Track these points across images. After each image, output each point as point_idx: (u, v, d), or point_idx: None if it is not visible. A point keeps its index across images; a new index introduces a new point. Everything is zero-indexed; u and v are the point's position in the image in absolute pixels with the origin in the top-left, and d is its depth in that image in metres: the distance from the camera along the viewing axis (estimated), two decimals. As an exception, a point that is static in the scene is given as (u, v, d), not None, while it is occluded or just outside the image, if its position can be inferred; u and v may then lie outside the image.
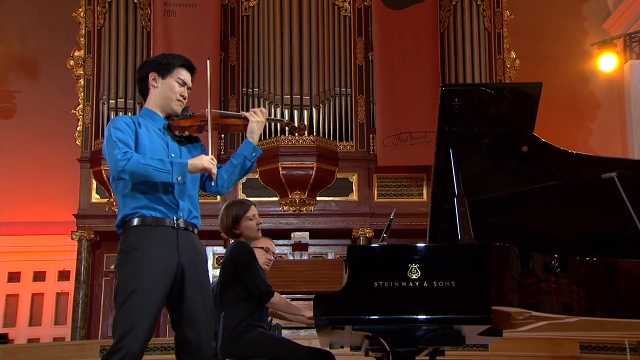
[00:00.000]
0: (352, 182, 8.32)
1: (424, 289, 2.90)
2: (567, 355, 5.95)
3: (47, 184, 9.30)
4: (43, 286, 9.41)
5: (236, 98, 8.40)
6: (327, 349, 3.83)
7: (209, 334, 3.03)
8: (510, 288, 2.96)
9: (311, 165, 7.99)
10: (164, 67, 3.13)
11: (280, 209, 8.23)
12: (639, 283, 3.19)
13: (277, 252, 4.56)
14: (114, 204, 7.96)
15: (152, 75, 3.13)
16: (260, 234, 4.01)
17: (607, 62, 9.27)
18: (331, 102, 8.26)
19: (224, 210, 3.98)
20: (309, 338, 5.85)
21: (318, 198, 8.27)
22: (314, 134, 8.06)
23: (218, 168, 3.10)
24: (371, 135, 8.34)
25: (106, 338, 7.68)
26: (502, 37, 8.50)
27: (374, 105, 8.32)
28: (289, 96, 8.15)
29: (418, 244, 3.00)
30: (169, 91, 3.12)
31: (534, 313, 3.04)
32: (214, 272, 7.08)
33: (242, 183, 8.20)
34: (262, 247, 4.15)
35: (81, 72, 8.36)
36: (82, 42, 8.42)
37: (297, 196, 8.10)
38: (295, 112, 8.08)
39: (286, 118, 7.96)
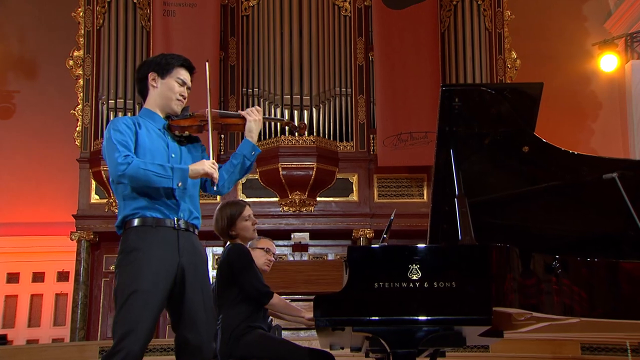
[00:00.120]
0: (352, 183, 8.31)
1: (425, 289, 2.89)
2: (568, 357, 5.94)
3: (46, 185, 9.28)
4: (42, 287, 9.40)
5: (236, 98, 8.39)
6: (328, 350, 3.82)
7: (210, 335, 3.01)
8: (511, 289, 2.95)
9: (311, 166, 7.97)
10: (163, 67, 3.13)
11: (280, 209, 8.22)
12: (641, 284, 3.18)
13: (277, 252, 4.55)
14: (114, 204, 7.95)
15: (151, 76, 3.12)
16: (255, 234, 3.99)
17: (608, 62, 9.27)
18: (331, 102, 8.25)
19: (218, 212, 3.96)
20: (309, 339, 5.84)
21: (318, 198, 8.25)
22: (314, 134, 8.05)
23: (218, 169, 3.09)
24: (371, 136, 8.33)
25: (105, 339, 7.67)
26: (503, 37, 8.49)
27: (374, 106, 8.31)
28: (289, 96, 8.14)
29: (418, 245, 3.00)
30: (168, 91, 3.11)
31: (535, 314, 3.03)
32: (214, 273, 7.06)
33: (242, 183, 8.19)
34: (262, 248, 4.13)
35: (80, 72, 8.35)
36: (82, 42, 8.41)
37: (297, 197, 8.09)
38: (295, 112, 8.07)
39: (286, 118, 7.94)
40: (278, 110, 8.10)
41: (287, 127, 7.53)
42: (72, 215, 8.18)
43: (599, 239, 3.71)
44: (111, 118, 7.91)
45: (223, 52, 8.44)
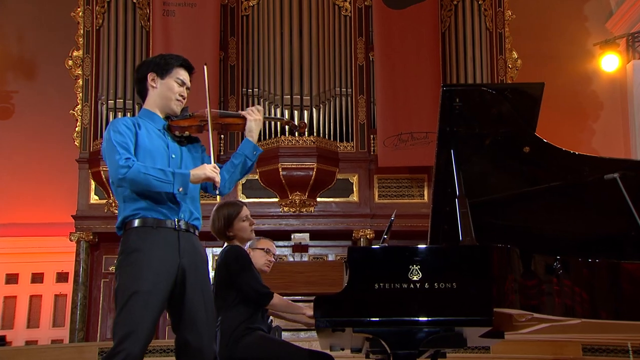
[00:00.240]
0: (352, 183, 8.30)
1: (425, 290, 2.89)
2: (569, 358, 5.93)
3: (45, 185, 9.27)
4: (41, 288, 9.39)
5: (236, 98, 8.38)
6: (328, 351, 3.81)
7: (210, 336, 3.00)
8: (512, 290, 2.95)
9: (311, 166, 7.96)
10: (163, 67, 3.12)
11: (280, 210, 8.20)
12: (643, 285, 3.17)
13: (277, 253, 4.53)
14: (113, 205, 7.94)
15: (150, 76, 3.11)
16: (253, 235, 3.97)
17: (609, 62, 9.27)
18: (331, 103, 8.24)
19: (215, 212, 3.93)
20: (309, 340, 5.83)
21: (318, 199, 8.24)
22: (314, 134, 8.04)
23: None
24: (372, 136, 8.31)
25: (105, 340, 7.66)
26: (504, 37, 8.47)
27: (374, 106, 8.30)
28: (289, 96, 8.12)
29: (419, 246, 3.00)
30: (168, 91, 3.10)
31: (535, 315, 3.03)
32: (214, 274, 7.05)
33: (242, 184, 8.18)
34: (262, 249, 4.12)
35: (80, 72, 8.33)
36: (81, 42, 8.40)
37: (297, 197, 8.08)
38: (296, 112, 8.06)
39: (286, 118, 7.93)
40: (278, 111, 8.08)
41: (287, 127, 7.55)
42: (72, 215, 8.17)
43: (600, 240, 3.70)
44: (110, 118, 7.91)
45: (223, 52, 8.43)
